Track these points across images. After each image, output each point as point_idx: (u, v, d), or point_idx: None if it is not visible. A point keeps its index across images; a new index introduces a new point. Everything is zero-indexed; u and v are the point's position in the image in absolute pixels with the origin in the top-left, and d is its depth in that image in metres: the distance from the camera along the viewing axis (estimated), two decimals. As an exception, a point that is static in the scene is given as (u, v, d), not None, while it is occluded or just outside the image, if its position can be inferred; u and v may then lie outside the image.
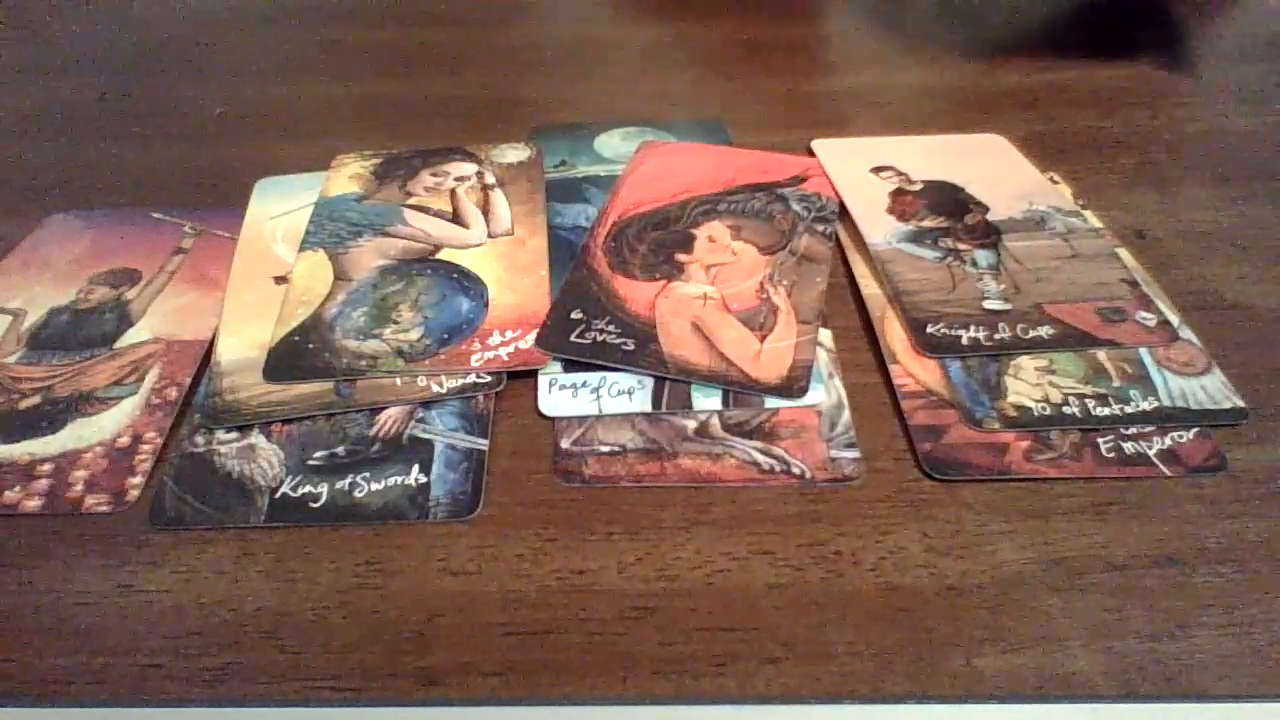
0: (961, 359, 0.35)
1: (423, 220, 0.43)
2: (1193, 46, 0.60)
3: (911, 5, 0.67)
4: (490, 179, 0.46)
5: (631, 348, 0.36)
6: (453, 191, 0.45)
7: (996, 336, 0.36)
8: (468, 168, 0.47)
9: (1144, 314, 0.37)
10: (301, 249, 0.41)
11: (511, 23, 0.66)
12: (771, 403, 0.34)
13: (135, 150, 0.51)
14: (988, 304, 0.38)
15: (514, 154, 0.48)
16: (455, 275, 0.40)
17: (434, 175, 0.47)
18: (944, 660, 0.27)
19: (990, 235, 0.42)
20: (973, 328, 0.37)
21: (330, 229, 0.42)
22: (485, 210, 0.44)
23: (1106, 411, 0.33)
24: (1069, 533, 0.30)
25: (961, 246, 0.41)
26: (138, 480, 0.32)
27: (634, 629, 0.28)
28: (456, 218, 0.44)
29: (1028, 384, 0.34)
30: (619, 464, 0.32)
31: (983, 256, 0.40)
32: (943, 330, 0.37)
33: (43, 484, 0.32)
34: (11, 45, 0.64)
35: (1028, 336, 0.36)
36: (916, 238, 0.42)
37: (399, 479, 0.32)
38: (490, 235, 0.42)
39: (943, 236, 0.42)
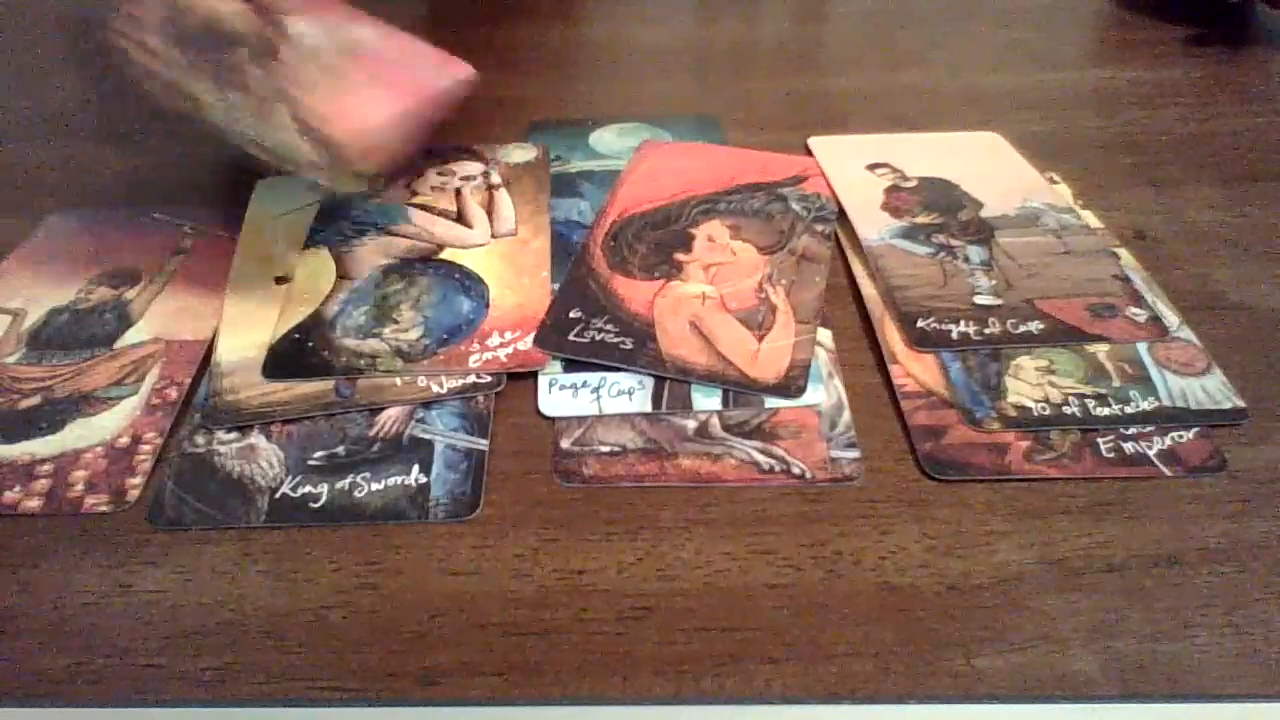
0: (960, 358, 0.35)
1: (427, 219, 0.43)
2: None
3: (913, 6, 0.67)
4: (496, 179, 0.46)
5: (630, 347, 0.36)
6: (457, 191, 0.45)
7: (986, 331, 0.36)
8: (474, 167, 0.47)
9: (1134, 309, 0.37)
10: (306, 246, 0.41)
11: (511, 22, 0.66)
12: (771, 402, 0.34)
13: (135, 150, 0.51)
14: (979, 299, 0.38)
15: (520, 154, 0.48)
16: (457, 275, 0.40)
17: (440, 174, 0.47)
18: (944, 660, 0.27)
19: (983, 231, 0.42)
20: (963, 322, 0.37)
21: (335, 227, 0.43)
22: (489, 210, 0.44)
23: (1106, 411, 0.33)
24: (1069, 533, 0.30)
25: (954, 242, 0.41)
26: (138, 480, 0.32)
27: (634, 629, 0.28)
28: (461, 217, 0.44)
29: (1028, 384, 0.34)
30: (619, 464, 0.32)
31: (975, 252, 0.40)
32: (933, 325, 0.37)
33: (43, 484, 0.32)
34: (11, 45, 0.63)
35: (1018, 331, 0.36)
36: (909, 234, 0.42)
37: (399, 479, 0.32)
38: (494, 235, 0.42)
39: (936, 232, 0.42)
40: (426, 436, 0.33)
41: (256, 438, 0.33)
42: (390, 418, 0.34)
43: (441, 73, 0.41)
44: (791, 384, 0.34)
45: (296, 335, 0.37)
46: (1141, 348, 0.36)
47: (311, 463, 0.32)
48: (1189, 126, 0.52)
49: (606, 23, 0.66)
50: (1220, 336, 0.37)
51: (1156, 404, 0.33)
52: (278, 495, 0.31)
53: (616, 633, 0.27)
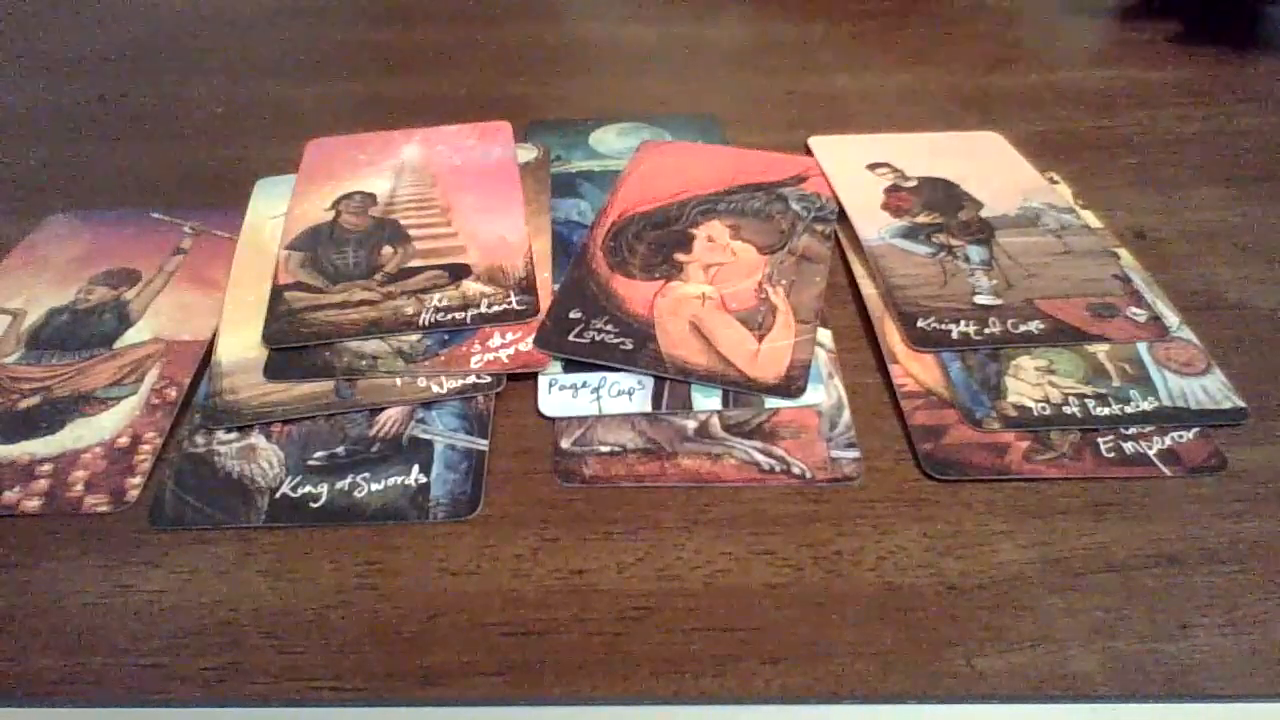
0: (960, 358, 0.35)
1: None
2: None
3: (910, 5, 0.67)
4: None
5: (630, 347, 0.36)
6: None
7: (986, 331, 0.36)
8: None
9: (1134, 309, 0.37)
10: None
11: (510, 22, 0.66)
12: (771, 403, 0.34)
13: (135, 150, 0.51)
14: (979, 299, 0.38)
15: (520, 154, 0.48)
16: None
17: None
18: (944, 660, 0.27)
19: (983, 231, 0.42)
20: (963, 322, 0.37)
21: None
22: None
23: (1106, 411, 0.33)
24: (1069, 533, 0.30)
25: (954, 242, 0.41)
26: (137, 480, 0.32)
27: (634, 629, 0.28)
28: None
29: (1028, 384, 0.34)
30: (619, 464, 0.32)
31: (975, 252, 0.40)
32: (933, 325, 0.37)
33: (42, 484, 0.32)
34: (11, 45, 0.63)
35: (1018, 331, 0.36)
36: (910, 233, 0.42)
37: (399, 479, 0.32)
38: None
39: (936, 232, 0.42)
40: (426, 437, 0.33)
41: (256, 438, 0.33)
42: (390, 418, 0.34)
43: (498, 146, 0.42)
44: (791, 384, 0.34)
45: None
46: (1141, 348, 0.36)
47: (311, 463, 0.32)
48: (1189, 126, 0.52)
49: (605, 22, 0.66)
50: (1220, 336, 0.37)
51: (1156, 404, 0.33)
52: (278, 495, 0.31)
53: (616, 633, 0.27)
